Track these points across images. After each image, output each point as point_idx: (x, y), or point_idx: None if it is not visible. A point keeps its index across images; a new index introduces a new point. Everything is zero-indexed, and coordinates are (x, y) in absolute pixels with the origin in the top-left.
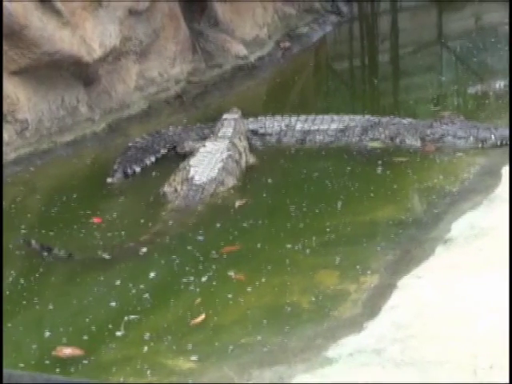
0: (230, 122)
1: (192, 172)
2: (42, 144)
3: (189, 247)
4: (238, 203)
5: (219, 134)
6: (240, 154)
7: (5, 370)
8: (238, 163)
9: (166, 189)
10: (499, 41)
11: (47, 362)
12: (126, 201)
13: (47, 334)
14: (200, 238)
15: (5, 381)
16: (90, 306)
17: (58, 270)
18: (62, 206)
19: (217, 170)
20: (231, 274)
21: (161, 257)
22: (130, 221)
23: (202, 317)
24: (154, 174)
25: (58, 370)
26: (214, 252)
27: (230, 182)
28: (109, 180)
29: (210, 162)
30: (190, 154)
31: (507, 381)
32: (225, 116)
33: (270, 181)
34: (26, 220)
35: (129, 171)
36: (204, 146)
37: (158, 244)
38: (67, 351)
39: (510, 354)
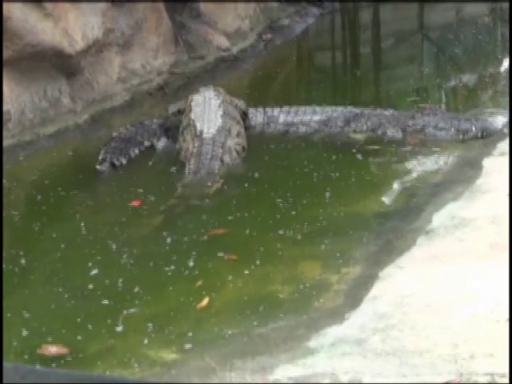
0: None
1: (198, 125)
2: (25, 136)
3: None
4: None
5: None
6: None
7: None
8: (232, 104)
9: (182, 152)
10: (479, 32)
11: None
12: (139, 185)
13: None
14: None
15: None
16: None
17: None
18: (71, 196)
19: (220, 119)
20: (221, 254)
21: None
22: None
23: (206, 300)
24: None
25: None
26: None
27: (235, 128)
28: (98, 167)
29: (209, 111)
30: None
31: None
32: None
33: (251, 171)
34: (55, 212)
35: (116, 163)
36: (192, 99)
37: None
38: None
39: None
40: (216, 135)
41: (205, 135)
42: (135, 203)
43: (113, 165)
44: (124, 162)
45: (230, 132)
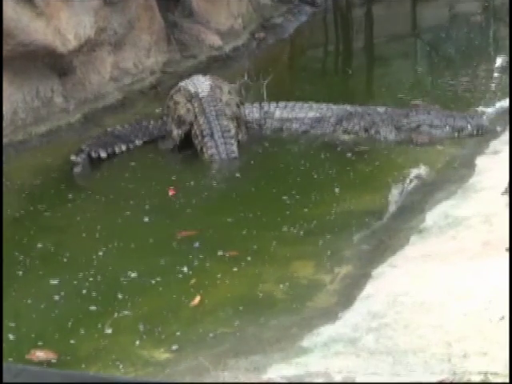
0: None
1: (191, 88)
2: (18, 135)
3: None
4: None
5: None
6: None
7: None
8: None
9: (178, 117)
10: (472, 30)
11: None
12: (161, 174)
13: None
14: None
15: None
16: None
17: None
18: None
19: (209, 81)
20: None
21: None
22: (199, 184)
23: (198, 299)
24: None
25: None
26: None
27: (225, 86)
28: (72, 158)
29: (198, 81)
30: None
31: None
32: None
33: (244, 169)
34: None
35: (93, 154)
36: (178, 87)
37: None
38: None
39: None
40: (211, 93)
41: (201, 94)
42: (172, 192)
43: (90, 156)
44: (103, 155)
45: (221, 89)
